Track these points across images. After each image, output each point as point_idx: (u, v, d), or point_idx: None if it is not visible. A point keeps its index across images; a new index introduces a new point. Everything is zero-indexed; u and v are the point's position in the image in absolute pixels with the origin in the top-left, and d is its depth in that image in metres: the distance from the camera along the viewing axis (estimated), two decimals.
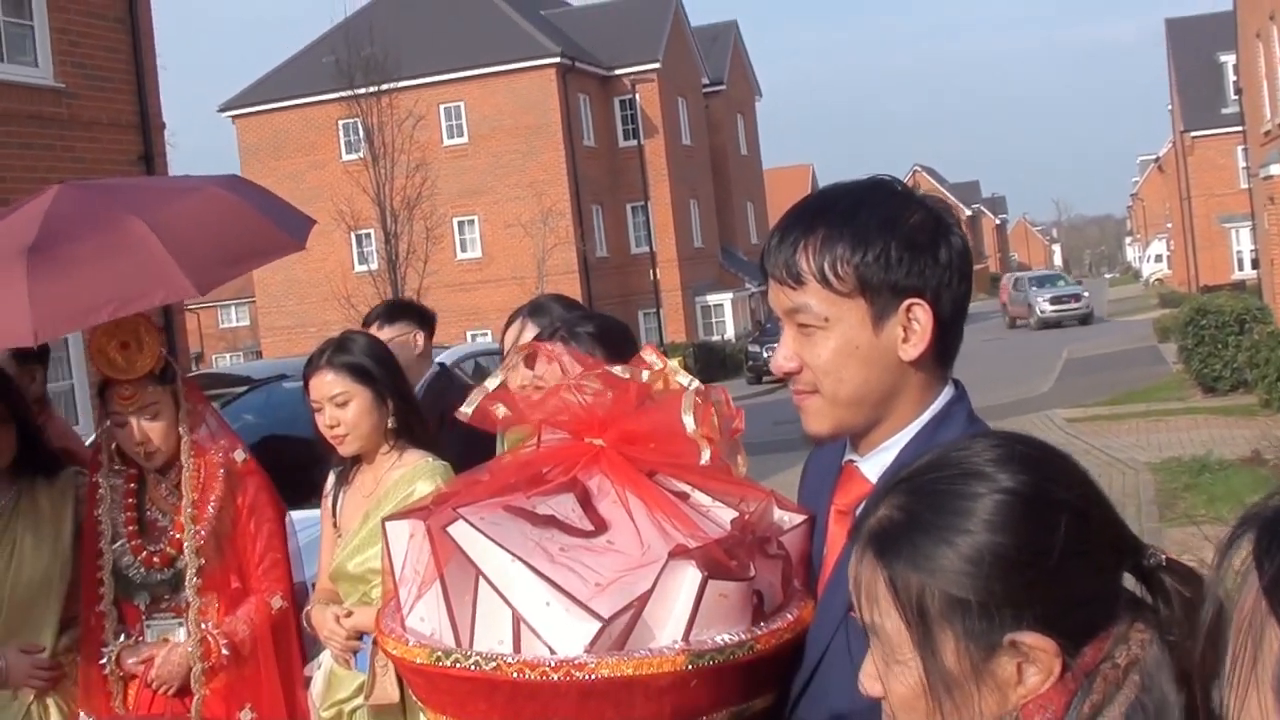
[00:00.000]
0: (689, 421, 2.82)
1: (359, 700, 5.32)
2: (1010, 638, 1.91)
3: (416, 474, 5.32)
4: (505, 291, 52.41)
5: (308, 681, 5.64)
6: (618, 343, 4.08)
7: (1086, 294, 71.08)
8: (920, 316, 2.60)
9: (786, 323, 2.69)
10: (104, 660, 5.51)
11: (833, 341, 2.63)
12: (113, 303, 5.24)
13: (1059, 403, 29.59)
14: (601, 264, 60.43)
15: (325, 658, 5.56)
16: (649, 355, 3.08)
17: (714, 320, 66.08)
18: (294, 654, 5.64)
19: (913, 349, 2.61)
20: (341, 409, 5.38)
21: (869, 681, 2.07)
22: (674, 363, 3.09)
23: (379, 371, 5.44)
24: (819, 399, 2.67)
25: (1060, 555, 1.92)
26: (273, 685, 5.54)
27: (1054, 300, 67.72)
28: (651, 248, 56.61)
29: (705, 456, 2.81)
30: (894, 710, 2.04)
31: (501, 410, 3.01)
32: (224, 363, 59.73)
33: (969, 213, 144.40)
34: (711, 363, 56.15)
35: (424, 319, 7.67)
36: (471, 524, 2.66)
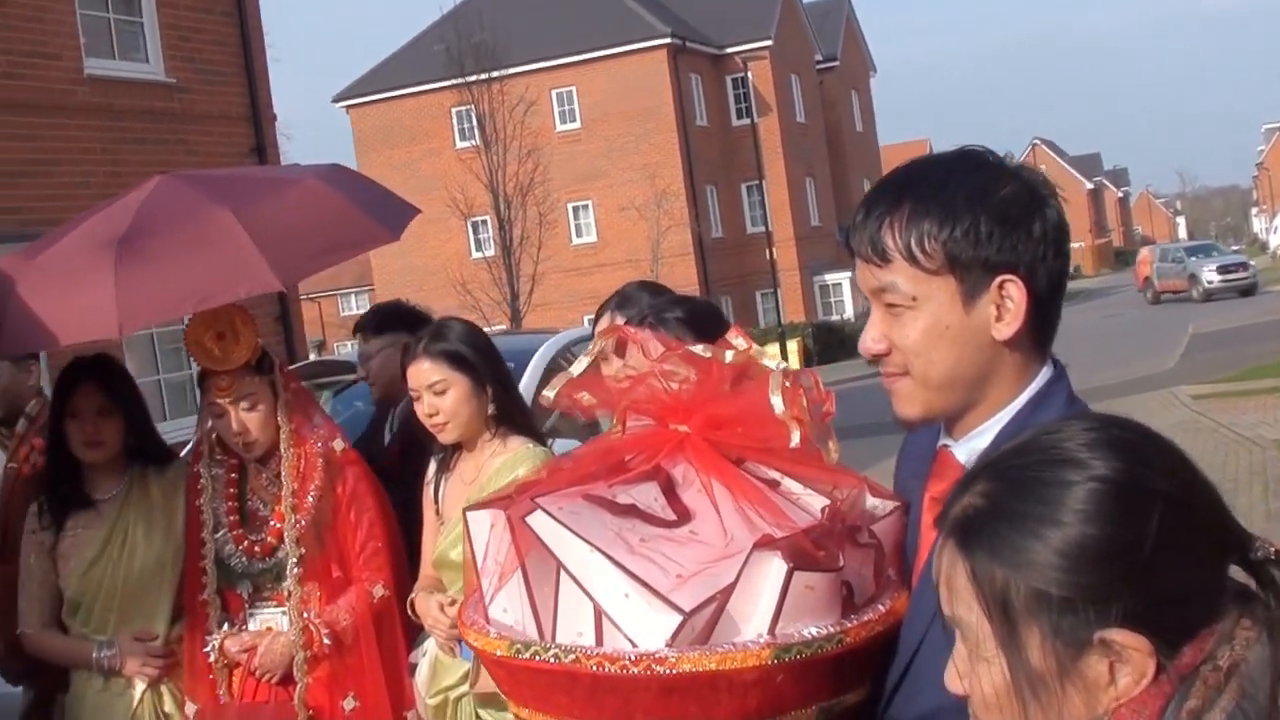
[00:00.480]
0: (777, 403, 2.73)
1: (464, 688, 5.29)
2: (1100, 635, 1.78)
3: (518, 460, 5.25)
4: (621, 275, 52.31)
5: (413, 669, 5.61)
6: (708, 327, 4.00)
7: (1253, 263, 67.19)
8: (1014, 294, 2.48)
9: (874, 302, 2.59)
10: (208, 648, 5.53)
11: (921, 321, 2.52)
12: (196, 296, 5.28)
13: (1184, 379, 29.04)
14: (717, 245, 60.31)
15: (430, 645, 5.53)
16: (735, 337, 2.98)
17: (832, 300, 65.76)
18: (398, 642, 5.63)
19: (1006, 328, 2.50)
20: (440, 397, 5.33)
21: (953, 679, 1.96)
22: (781, 345, 3.00)
23: (477, 359, 5.38)
24: (909, 381, 2.57)
25: (1155, 548, 1.79)
26: (375, 674, 5.53)
27: (1222, 270, 63.78)
28: (768, 227, 56.28)
29: (795, 439, 2.73)
30: (977, 710, 1.93)
31: (585, 396, 2.95)
32: (345, 350, 60.16)
33: (1090, 186, 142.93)
34: (831, 343, 55.86)
35: (417, 326, 7.37)
36: (550, 514, 2.60)
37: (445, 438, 5.41)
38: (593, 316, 5.62)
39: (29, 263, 5.60)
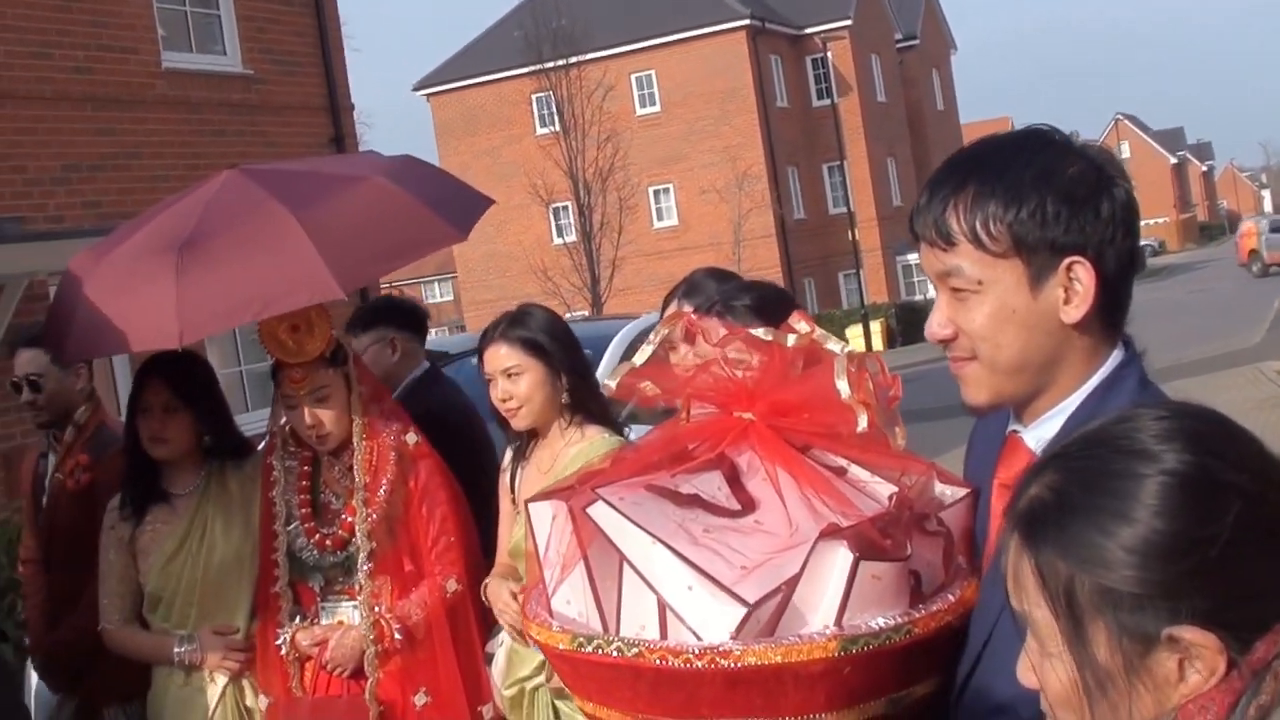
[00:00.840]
0: (843, 387, 2.70)
1: (540, 679, 5.27)
2: (1168, 632, 1.73)
3: (593, 450, 5.19)
4: (702, 258, 52.33)
5: (489, 659, 5.59)
6: (777, 313, 3.93)
7: None
8: (1082, 276, 2.43)
9: (939, 287, 2.54)
10: (280, 641, 5.53)
11: (988, 305, 2.47)
12: (256, 304, 5.26)
13: (1270, 355, 28.74)
14: (799, 226, 60.21)
15: (506, 635, 5.51)
16: (798, 321, 2.94)
17: (915, 280, 65.47)
18: (473, 637, 5.60)
19: (1075, 311, 2.44)
20: (513, 381, 5.32)
21: (1025, 672, 1.91)
22: (864, 326, 2.95)
23: (553, 346, 5.35)
24: (976, 366, 2.52)
25: (1227, 544, 1.72)
26: (449, 669, 5.50)
27: None
28: (849, 208, 56.16)
29: (862, 423, 2.69)
30: (1050, 704, 1.88)
31: (648, 385, 2.91)
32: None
33: (1174, 160, 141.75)
34: (914, 323, 55.58)
35: (405, 319, 7.26)
36: (611, 505, 2.58)
37: (518, 423, 5.39)
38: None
39: (98, 262, 5.59)
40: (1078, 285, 2.44)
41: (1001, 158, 2.49)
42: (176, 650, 5.62)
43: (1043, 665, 1.86)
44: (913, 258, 64.19)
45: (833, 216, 61.47)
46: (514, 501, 5.51)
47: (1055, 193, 2.42)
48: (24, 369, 6.53)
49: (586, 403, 5.43)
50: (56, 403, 6.55)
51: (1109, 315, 2.50)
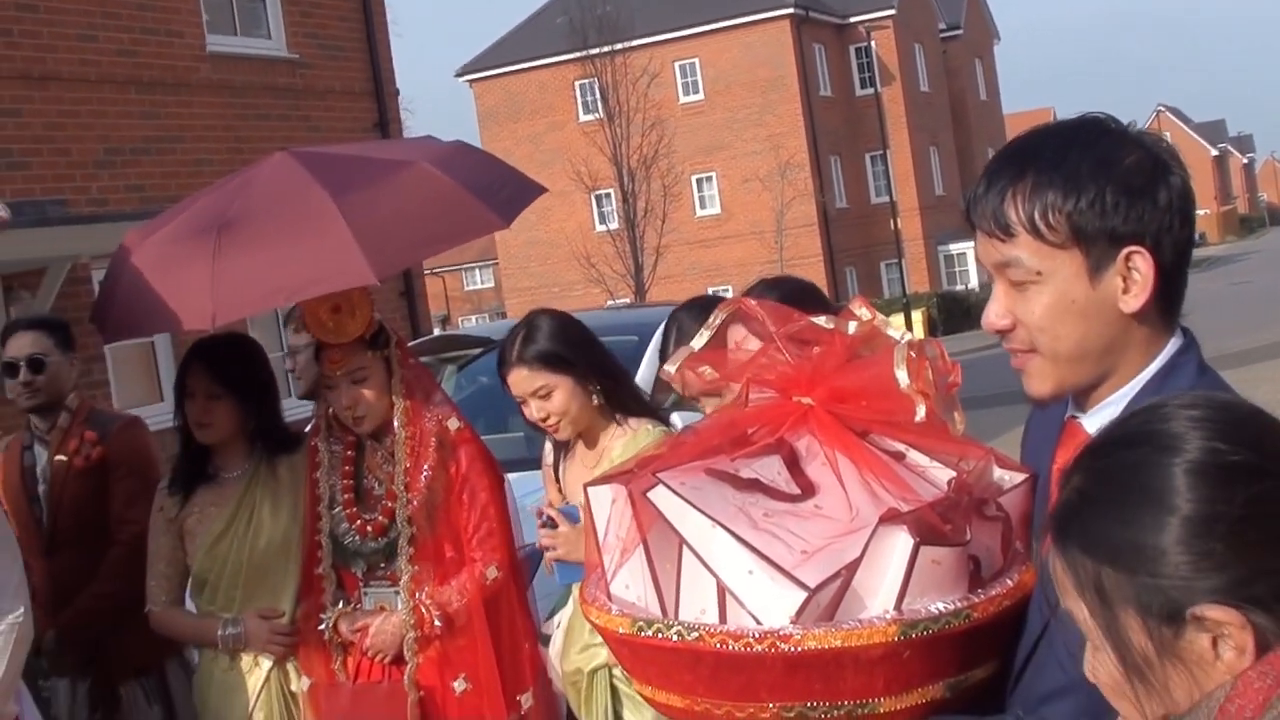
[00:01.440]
0: (902, 376, 2.70)
1: (602, 658, 5.25)
2: (1192, 612, 1.76)
3: (639, 441, 5.17)
4: (745, 247, 52.52)
5: (547, 640, 5.58)
6: (805, 307, 3.93)
7: None
8: (1140, 265, 2.43)
9: (997, 277, 2.54)
10: (322, 625, 5.52)
11: (1047, 296, 2.47)
12: (288, 289, 5.30)
13: None
14: (841, 215, 60.11)
15: (563, 616, 5.50)
16: (859, 308, 2.94)
17: (957, 270, 65.32)
18: (515, 623, 5.58)
19: (1134, 300, 2.44)
20: (546, 400, 5.29)
21: (1089, 669, 1.94)
22: (906, 316, 2.94)
23: (573, 353, 5.32)
24: (1039, 359, 2.52)
25: (1240, 522, 1.76)
26: (488, 656, 5.48)
27: None
28: (892, 197, 56.09)
29: (920, 412, 2.69)
30: (1109, 697, 1.92)
31: (707, 370, 2.91)
32: (469, 324, 60.63)
33: (1215, 153, 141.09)
34: (955, 313, 55.54)
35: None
36: (671, 488, 2.57)
37: (562, 435, 5.38)
38: (719, 289, 5.54)
39: (143, 242, 5.61)
40: (1136, 275, 2.43)
41: (1059, 147, 2.49)
42: (221, 633, 5.63)
43: (1094, 659, 1.90)
44: (955, 247, 64.11)
45: (875, 206, 61.37)
46: (560, 492, 5.51)
47: (1114, 182, 2.42)
48: (25, 350, 6.46)
49: (621, 397, 5.43)
50: (54, 386, 6.51)
51: (1167, 303, 2.50)
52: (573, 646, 5.40)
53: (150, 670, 6.13)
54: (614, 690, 5.32)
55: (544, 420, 5.32)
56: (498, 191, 5.89)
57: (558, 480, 5.54)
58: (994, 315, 2.55)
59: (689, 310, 5.13)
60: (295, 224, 5.35)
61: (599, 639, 5.20)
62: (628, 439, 5.27)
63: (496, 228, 5.86)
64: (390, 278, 5.42)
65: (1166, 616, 1.78)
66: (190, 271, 5.27)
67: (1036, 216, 2.44)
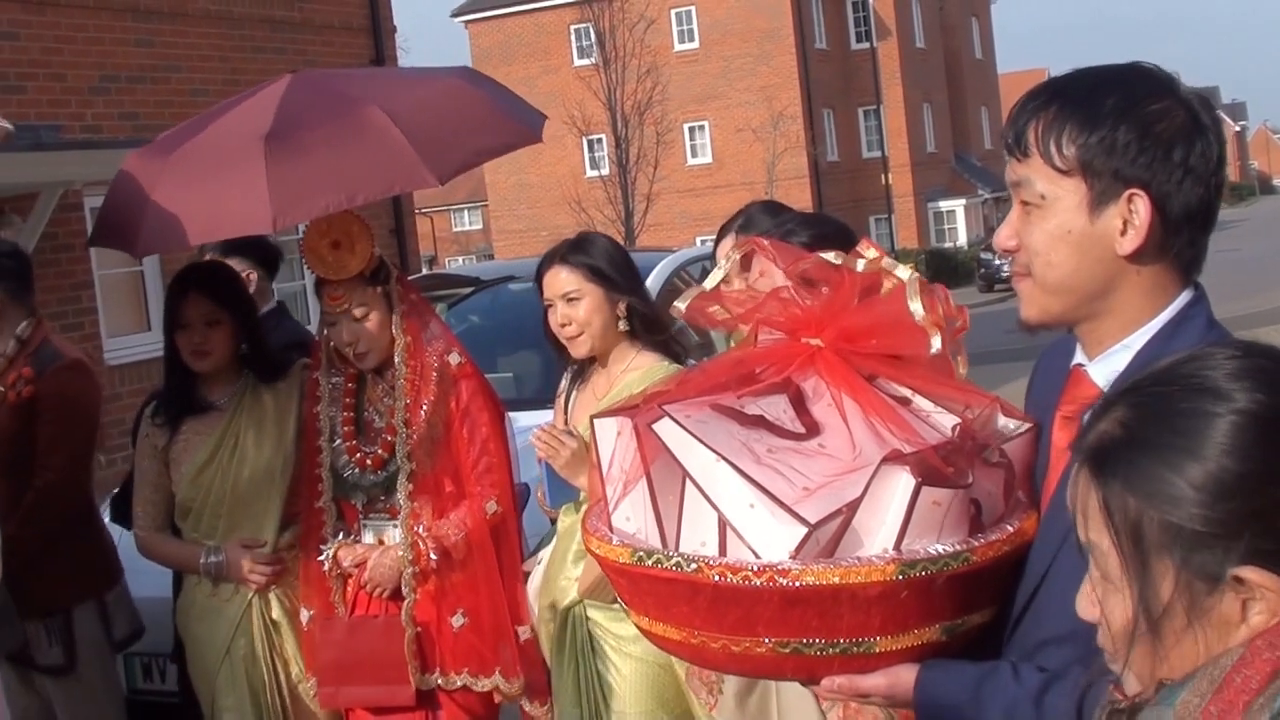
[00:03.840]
0: (917, 309, 2.72)
1: (572, 596, 5.26)
2: (1234, 573, 1.75)
3: (650, 375, 5.12)
4: (735, 197, 52.12)
5: (526, 577, 5.60)
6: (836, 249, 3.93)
7: None
8: (1140, 210, 2.46)
9: (1014, 197, 2.60)
10: (323, 557, 5.54)
11: (1048, 222, 2.52)
12: (348, 191, 5.22)
13: None
14: (832, 169, 60.00)
15: (545, 553, 5.51)
16: (866, 249, 2.95)
17: (946, 227, 65.34)
18: (514, 556, 5.60)
19: (1128, 243, 2.48)
20: (572, 306, 5.30)
21: (1085, 604, 1.93)
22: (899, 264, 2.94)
23: (614, 273, 5.34)
24: (1030, 283, 2.59)
25: None
26: (491, 588, 5.50)
27: None
28: (883, 152, 56.01)
29: (936, 343, 2.71)
30: (1108, 638, 1.90)
31: (718, 310, 2.92)
32: (456, 265, 60.54)
33: None
34: (943, 270, 55.49)
35: (263, 257, 7.37)
36: (677, 421, 2.59)
37: (577, 349, 5.38)
38: (708, 238, 5.54)
39: (165, 159, 5.53)
40: (1135, 218, 2.47)
41: (1094, 84, 2.53)
42: (203, 561, 5.67)
43: (1107, 598, 1.87)
44: (944, 204, 64.14)
45: (866, 160, 61.25)
46: (566, 423, 5.51)
47: (1130, 123, 2.46)
48: None
49: (650, 330, 5.42)
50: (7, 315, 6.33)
51: (1177, 256, 2.52)
52: (552, 581, 5.39)
53: (56, 612, 6.09)
54: (590, 634, 5.31)
55: (565, 327, 5.33)
56: (519, 109, 5.92)
57: (566, 412, 5.53)
58: (1004, 235, 2.60)
59: (765, 208, 5.26)
60: (347, 130, 5.33)
61: (575, 575, 5.25)
62: (639, 373, 5.26)
63: (532, 140, 5.88)
64: (450, 180, 5.39)
65: (1205, 573, 1.76)
66: (241, 178, 5.24)
67: (1051, 142, 2.49)
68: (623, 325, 5.34)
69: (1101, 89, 2.50)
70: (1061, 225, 2.51)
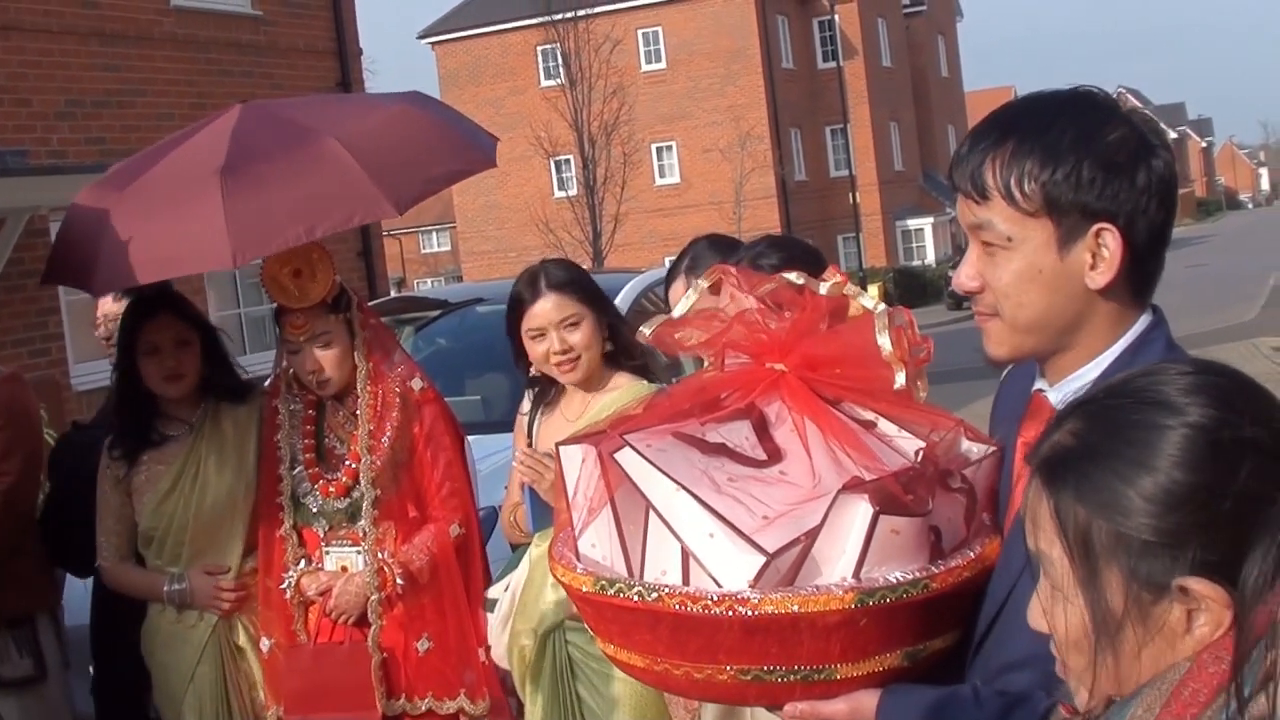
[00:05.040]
0: (885, 343, 2.72)
1: (555, 619, 5.23)
2: (1179, 582, 1.77)
3: (625, 396, 5.12)
4: (703, 217, 52.30)
5: (491, 604, 5.59)
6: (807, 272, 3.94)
7: None
8: (1110, 243, 2.45)
9: (971, 239, 2.57)
10: (285, 585, 5.53)
11: (1015, 263, 2.50)
12: (309, 222, 5.19)
13: (1265, 331, 28.74)
14: (800, 188, 60.08)
15: (515, 577, 5.49)
16: (831, 275, 2.96)
17: (914, 245, 65.49)
18: (476, 580, 5.61)
19: (1100, 277, 2.47)
20: (570, 331, 5.25)
21: (1037, 615, 1.96)
22: (872, 289, 2.95)
23: (595, 290, 5.36)
24: (999, 323, 2.56)
25: (1240, 498, 1.77)
26: (458, 611, 5.51)
27: None
28: (851, 171, 56.02)
29: (900, 380, 2.71)
30: (1061, 648, 1.92)
31: (684, 335, 2.93)
32: (425, 287, 60.46)
33: (1174, 135, 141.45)
34: (911, 288, 55.67)
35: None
36: (637, 451, 2.59)
37: (574, 376, 5.31)
38: (673, 258, 5.51)
39: (120, 192, 5.49)
40: (1105, 252, 2.46)
41: (1045, 116, 2.51)
42: (167, 589, 5.65)
43: (1055, 608, 1.90)
44: (912, 223, 64.26)
45: (834, 179, 61.31)
46: (530, 446, 5.50)
47: (1093, 157, 2.44)
48: None
49: (629, 350, 5.40)
50: None
51: (1137, 284, 2.52)
52: (530, 606, 5.35)
53: (22, 623, 6.08)
54: (570, 660, 5.28)
55: (564, 353, 5.27)
56: (471, 133, 5.90)
57: (530, 434, 5.51)
58: (965, 276, 2.58)
59: (712, 244, 5.20)
60: (302, 162, 5.31)
61: (554, 599, 5.23)
62: (615, 394, 5.25)
63: (487, 165, 5.88)
64: (408, 209, 5.37)
65: (1151, 582, 1.78)
66: (197, 214, 5.20)
67: (1012, 183, 2.46)
68: (609, 346, 5.32)
69: (1057, 123, 2.48)
70: (1031, 266, 2.49)
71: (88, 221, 5.50)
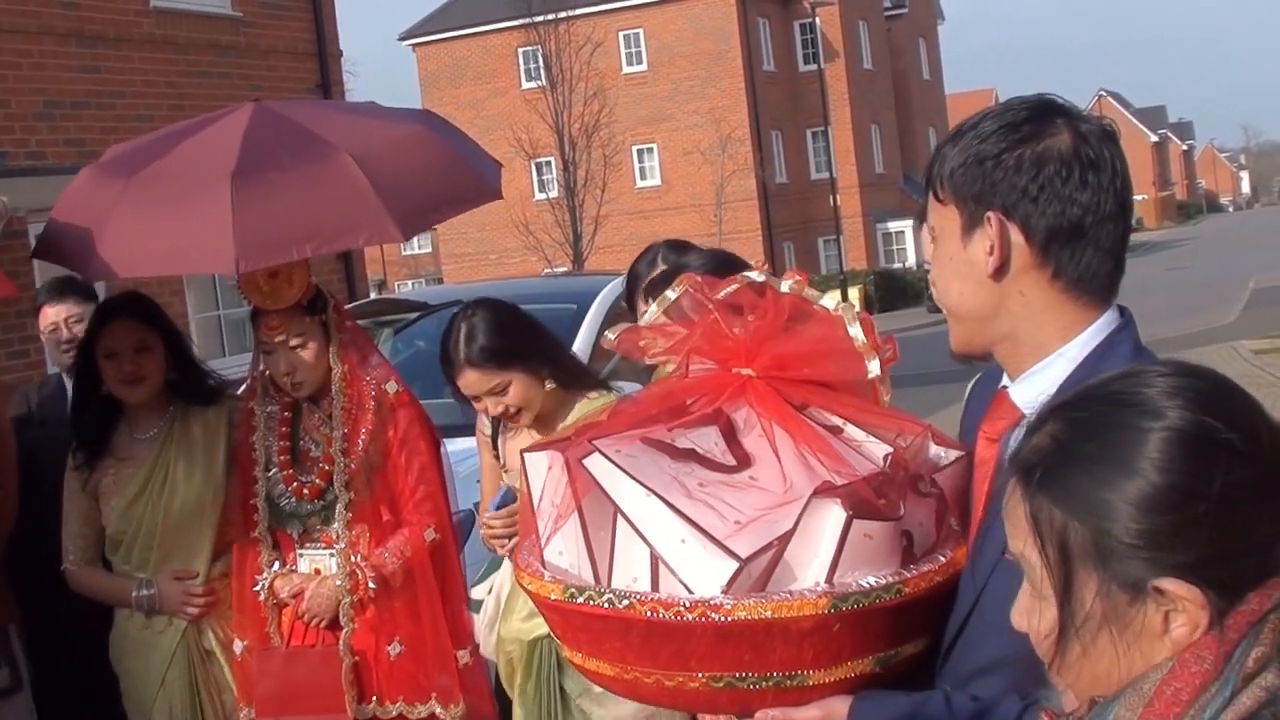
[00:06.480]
0: (857, 334, 2.74)
1: (540, 631, 5.20)
2: (1155, 584, 1.76)
3: (590, 406, 5.15)
4: (684, 219, 52.39)
5: (476, 605, 5.57)
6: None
7: None
8: (995, 231, 2.49)
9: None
10: (258, 587, 5.51)
11: (939, 252, 2.60)
12: (316, 239, 5.20)
13: (1245, 333, 28.75)
14: (781, 190, 60.12)
15: (499, 577, 5.47)
16: (790, 276, 2.96)
17: (895, 248, 65.50)
18: (451, 584, 5.59)
19: (990, 265, 2.50)
20: (503, 395, 5.22)
21: (1020, 616, 1.94)
22: (843, 292, 2.96)
23: (519, 344, 5.24)
24: (949, 314, 2.64)
25: (1219, 500, 1.76)
26: (432, 615, 5.48)
27: None
28: (832, 174, 56.05)
29: (874, 368, 2.73)
30: (1038, 648, 1.91)
31: (648, 342, 2.91)
32: (405, 289, 60.39)
33: (1155, 139, 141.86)
34: (892, 290, 55.74)
35: (91, 295, 7.01)
36: (607, 456, 2.58)
37: (524, 422, 5.29)
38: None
39: (125, 180, 5.42)
40: (996, 240, 2.49)
41: (987, 115, 2.57)
42: (135, 594, 5.61)
43: (1035, 608, 1.89)
44: (893, 225, 64.30)
45: (815, 182, 61.34)
46: (497, 457, 5.48)
47: (995, 148, 2.49)
48: None
49: (575, 375, 5.40)
50: None
51: (1061, 276, 2.51)
52: (513, 615, 5.36)
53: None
54: (558, 661, 5.23)
55: (505, 414, 5.25)
56: (479, 160, 5.88)
57: (495, 446, 5.50)
58: (931, 274, 2.67)
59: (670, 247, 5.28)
60: (314, 175, 5.28)
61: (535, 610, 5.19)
62: (581, 404, 5.24)
63: (493, 197, 5.84)
64: (413, 236, 5.35)
65: (1127, 584, 1.78)
66: (205, 215, 5.16)
67: (936, 174, 2.55)
68: (549, 384, 5.25)
69: (988, 119, 2.53)
70: (945, 253, 2.57)
71: (88, 204, 5.46)
